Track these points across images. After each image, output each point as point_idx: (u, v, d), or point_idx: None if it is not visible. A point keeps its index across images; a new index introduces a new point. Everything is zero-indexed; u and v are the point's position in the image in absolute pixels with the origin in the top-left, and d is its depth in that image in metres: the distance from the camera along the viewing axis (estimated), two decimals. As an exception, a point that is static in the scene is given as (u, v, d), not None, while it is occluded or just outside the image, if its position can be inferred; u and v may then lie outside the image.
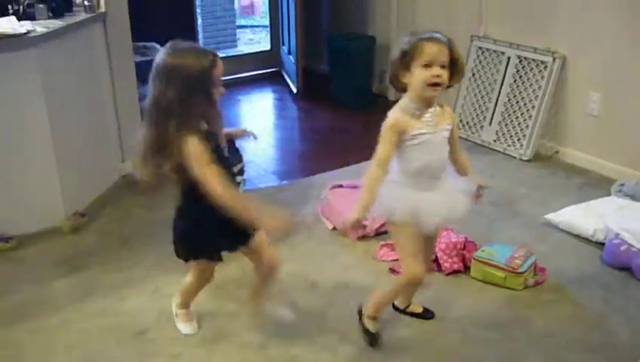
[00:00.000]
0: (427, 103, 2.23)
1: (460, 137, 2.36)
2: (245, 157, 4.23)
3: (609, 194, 3.63)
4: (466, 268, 2.96)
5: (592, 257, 3.14)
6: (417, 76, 2.17)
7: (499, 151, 4.45)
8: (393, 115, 2.24)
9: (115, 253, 3.19)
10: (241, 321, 2.65)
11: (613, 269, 3.03)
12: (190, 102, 2.07)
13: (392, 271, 2.99)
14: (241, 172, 4.03)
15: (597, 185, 3.86)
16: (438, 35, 2.19)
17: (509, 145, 4.39)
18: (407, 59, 2.18)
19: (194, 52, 2.14)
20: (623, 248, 3.03)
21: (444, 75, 2.17)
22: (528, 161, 4.26)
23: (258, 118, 5.38)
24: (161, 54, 2.11)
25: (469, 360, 2.42)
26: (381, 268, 3.03)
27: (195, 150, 2.06)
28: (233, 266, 2.85)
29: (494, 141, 4.50)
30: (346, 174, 3.92)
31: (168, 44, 2.14)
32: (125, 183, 3.92)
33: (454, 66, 2.21)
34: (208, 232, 2.26)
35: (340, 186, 3.56)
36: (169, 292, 2.82)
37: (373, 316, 2.51)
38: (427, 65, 2.16)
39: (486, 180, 2.49)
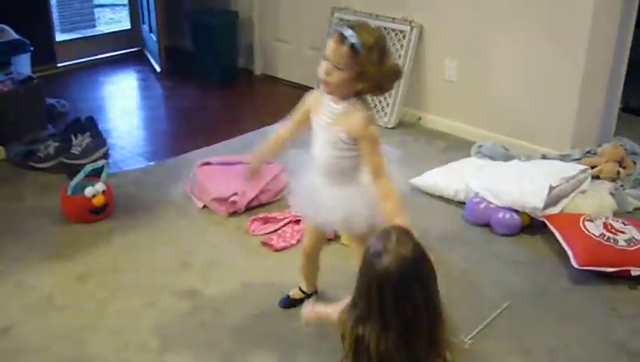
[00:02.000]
0: (334, 96, 2.08)
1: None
2: (109, 140, 4.10)
3: (469, 156, 3.81)
4: (337, 236, 3.00)
5: (455, 216, 3.29)
6: None
7: (364, 121, 4.53)
8: (315, 90, 2.17)
9: (-29, 248, 3.00)
10: (108, 310, 2.59)
11: (475, 226, 3.20)
12: None
13: (264, 244, 3.00)
14: (106, 155, 3.91)
15: (458, 148, 4.03)
16: (346, 32, 1.94)
17: (374, 114, 4.48)
18: None
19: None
20: (482, 206, 3.19)
21: (332, 76, 1.99)
22: (392, 128, 4.37)
23: (121, 99, 5.19)
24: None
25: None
26: (254, 243, 3.03)
27: None
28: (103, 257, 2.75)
29: (360, 111, 4.57)
30: (214, 151, 3.87)
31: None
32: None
33: (364, 75, 1.98)
34: None
35: (208, 163, 3.51)
36: (33, 284, 2.70)
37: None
38: (325, 58, 2.01)
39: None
